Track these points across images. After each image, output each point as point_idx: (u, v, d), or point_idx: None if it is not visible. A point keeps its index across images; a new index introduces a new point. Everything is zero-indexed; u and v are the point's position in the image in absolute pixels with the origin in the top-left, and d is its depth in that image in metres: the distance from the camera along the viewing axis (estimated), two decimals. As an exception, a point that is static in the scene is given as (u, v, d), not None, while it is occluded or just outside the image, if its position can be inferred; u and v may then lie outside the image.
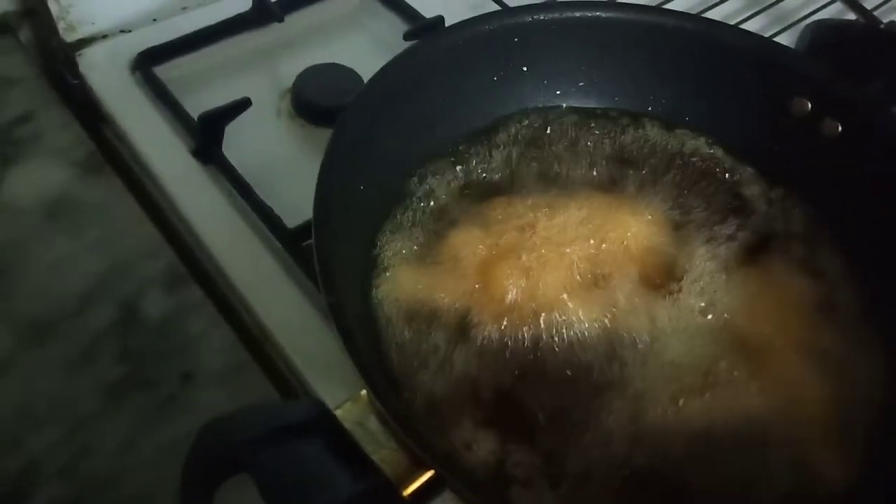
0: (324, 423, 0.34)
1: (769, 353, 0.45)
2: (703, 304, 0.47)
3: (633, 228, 0.50)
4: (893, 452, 0.42)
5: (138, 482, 0.47)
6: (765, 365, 0.44)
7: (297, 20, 0.70)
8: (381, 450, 0.34)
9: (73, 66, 0.65)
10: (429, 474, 0.33)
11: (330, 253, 0.38)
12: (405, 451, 0.33)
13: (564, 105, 0.56)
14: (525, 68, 0.54)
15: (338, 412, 0.34)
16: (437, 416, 0.40)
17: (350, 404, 0.35)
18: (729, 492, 0.40)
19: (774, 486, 0.41)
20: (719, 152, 0.56)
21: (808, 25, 0.62)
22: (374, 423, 0.34)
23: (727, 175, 0.55)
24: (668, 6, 0.71)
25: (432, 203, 0.50)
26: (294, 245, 0.53)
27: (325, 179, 0.40)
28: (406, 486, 0.33)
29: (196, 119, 0.59)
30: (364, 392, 0.35)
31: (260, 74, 0.67)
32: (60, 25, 0.66)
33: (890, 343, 0.46)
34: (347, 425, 0.34)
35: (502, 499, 0.37)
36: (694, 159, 0.55)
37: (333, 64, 0.66)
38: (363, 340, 0.39)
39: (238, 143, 0.60)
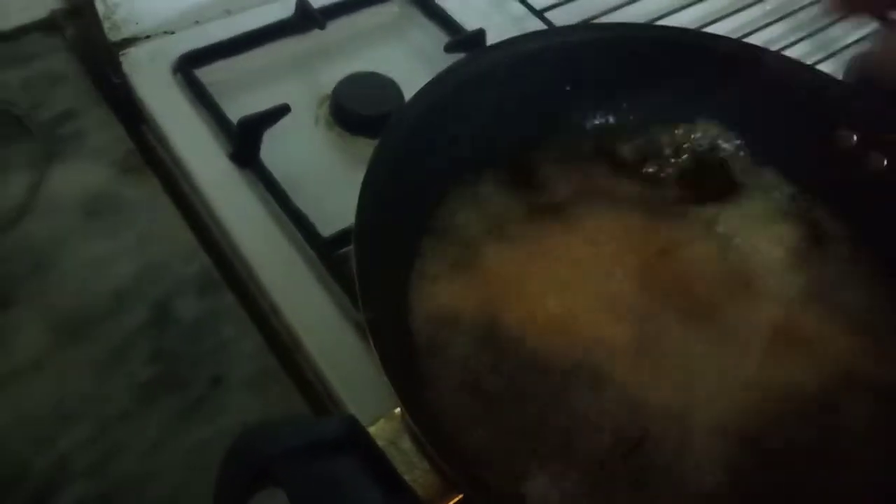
0: (357, 440, 0.34)
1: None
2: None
3: (678, 246, 0.49)
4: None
5: (166, 483, 0.47)
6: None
7: (338, 28, 0.70)
8: (414, 470, 0.33)
9: (117, 66, 0.66)
10: (459, 498, 0.33)
11: (369, 267, 0.38)
12: (437, 472, 0.33)
13: (608, 124, 0.56)
14: (569, 87, 0.54)
15: (371, 430, 0.34)
16: (472, 439, 0.40)
17: (384, 422, 0.35)
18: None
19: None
20: (767, 172, 0.55)
21: (856, 56, 0.61)
22: (406, 443, 0.34)
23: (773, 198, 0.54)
24: (709, 29, 0.71)
25: (473, 220, 0.50)
26: (328, 254, 0.53)
27: (368, 192, 0.40)
28: (437, 508, 0.33)
29: (235, 123, 0.59)
30: (398, 410, 0.35)
31: (300, 81, 0.67)
32: (106, 25, 0.67)
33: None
34: (381, 444, 0.34)
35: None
36: (739, 177, 0.54)
37: (373, 73, 0.66)
38: (399, 358, 0.38)
39: (275, 148, 0.60)
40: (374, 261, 0.40)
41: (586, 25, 0.54)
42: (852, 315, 0.49)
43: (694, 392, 0.44)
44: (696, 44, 0.55)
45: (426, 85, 0.47)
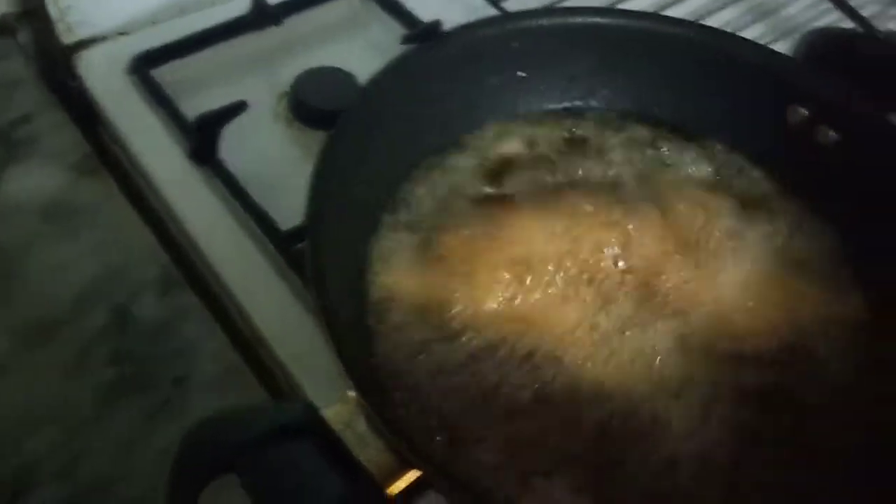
0: (313, 425, 0.34)
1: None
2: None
3: (630, 231, 0.50)
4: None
5: (134, 485, 0.47)
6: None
7: (295, 23, 0.70)
8: (369, 451, 0.34)
9: (71, 69, 0.65)
10: (414, 474, 0.33)
11: (322, 256, 0.38)
12: (392, 451, 0.33)
13: (562, 108, 0.56)
14: (523, 73, 0.54)
15: (326, 414, 0.34)
16: (427, 418, 0.40)
17: (339, 406, 0.35)
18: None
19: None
20: (719, 152, 0.56)
21: (806, 33, 0.62)
22: (362, 425, 0.34)
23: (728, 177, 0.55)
24: (666, 12, 0.72)
25: (428, 207, 0.50)
26: (288, 247, 0.53)
27: (318, 183, 0.40)
28: (392, 486, 0.33)
29: (193, 121, 0.59)
30: (352, 394, 0.35)
31: (258, 77, 0.67)
32: (59, 27, 0.66)
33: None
34: (336, 427, 0.34)
35: (485, 498, 0.37)
36: (690, 160, 0.55)
37: (331, 67, 0.66)
38: (354, 343, 0.39)
39: (235, 146, 0.60)
40: (328, 250, 0.40)
41: (539, 10, 0.54)
42: (805, 278, 0.49)
43: (653, 365, 0.45)
44: (650, 28, 0.55)
45: (377, 74, 0.47)
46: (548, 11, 0.54)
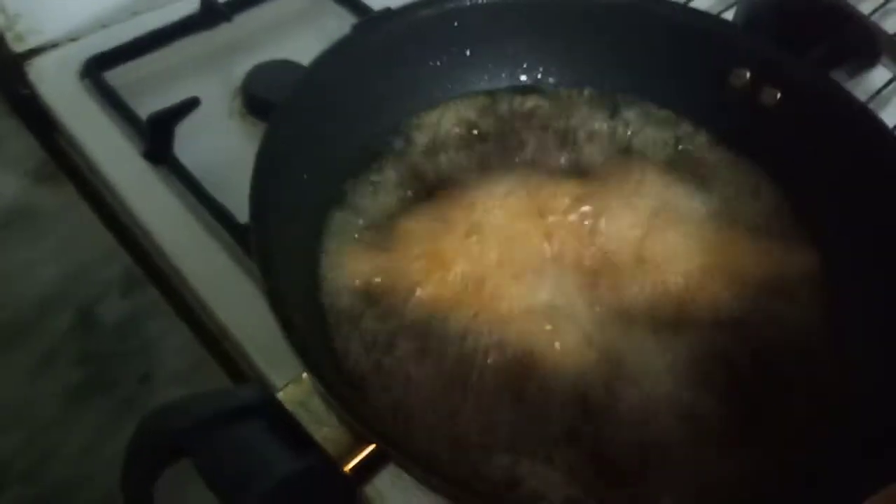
0: (266, 405, 0.35)
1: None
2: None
3: (576, 205, 0.50)
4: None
5: (101, 483, 0.47)
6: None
7: (246, 19, 0.70)
8: (323, 428, 0.34)
9: (23, 77, 0.65)
10: (370, 448, 0.33)
11: (268, 240, 0.39)
12: (346, 427, 0.34)
13: (509, 86, 0.57)
14: (468, 52, 0.55)
15: (280, 395, 0.35)
16: (382, 397, 0.40)
17: (293, 386, 0.35)
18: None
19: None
20: (664, 119, 0.56)
21: (745, -1, 0.63)
22: (316, 404, 0.35)
23: (673, 142, 0.56)
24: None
25: (379, 189, 0.50)
26: (246, 239, 0.53)
27: (261, 168, 0.41)
28: (347, 462, 0.33)
29: (145, 120, 0.59)
30: (306, 374, 0.35)
31: (211, 75, 0.67)
32: (8, 36, 0.66)
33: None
34: (289, 407, 0.34)
35: (442, 468, 0.37)
36: (635, 129, 0.55)
37: (283, 60, 0.66)
38: (307, 324, 0.39)
39: (192, 144, 0.60)
40: (276, 234, 0.40)
41: (480, -10, 0.54)
42: (757, 229, 0.50)
43: (617, 340, 0.45)
44: (591, 1, 0.56)
45: (317, 58, 0.47)
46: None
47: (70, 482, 0.47)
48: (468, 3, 0.53)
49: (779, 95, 0.53)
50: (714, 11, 0.72)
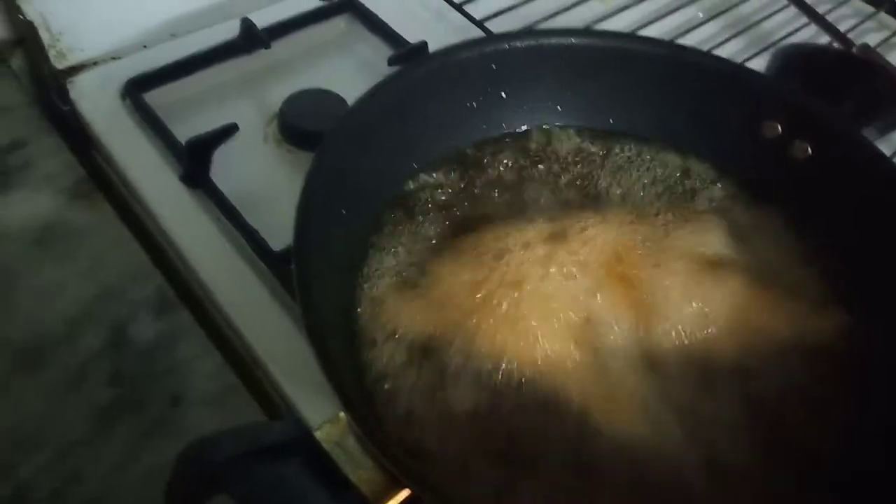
0: (304, 443, 0.35)
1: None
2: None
3: (613, 248, 0.51)
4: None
5: (128, 504, 0.47)
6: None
7: (284, 46, 0.72)
8: (359, 469, 0.35)
9: (64, 93, 0.66)
10: (405, 493, 0.34)
11: (310, 276, 0.40)
12: (382, 470, 0.34)
13: (543, 127, 0.58)
14: (504, 94, 0.56)
15: (317, 433, 0.35)
16: (415, 438, 0.41)
17: (329, 426, 0.36)
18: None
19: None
20: (696, 168, 0.57)
21: (779, 49, 0.64)
22: (352, 444, 0.35)
23: (704, 191, 0.56)
24: (644, 31, 0.73)
25: (414, 226, 0.51)
26: (280, 268, 0.54)
27: (307, 202, 0.42)
28: (383, 505, 0.34)
29: (184, 144, 0.60)
30: (343, 413, 0.36)
31: (247, 100, 0.68)
32: (51, 53, 0.67)
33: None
34: (326, 446, 0.35)
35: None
36: (669, 175, 0.56)
37: (319, 89, 0.67)
38: (343, 362, 0.40)
39: (226, 168, 0.61)
40: (316, 269, 0.41)
41: (517, 33, 0.56)
42: (787, 288, 0.50)
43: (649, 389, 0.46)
44: (624, 47, 0.57)
45: (362, 96, 0.48)
46: (525, 34, 0.55)
47: (97, 502, 0.47)
48: (507, 47, 0.54)
49: (809, 150, 0.53)
50: (739, 58, 0.73)
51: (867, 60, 0.65)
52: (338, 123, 0.47)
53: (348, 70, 0.72)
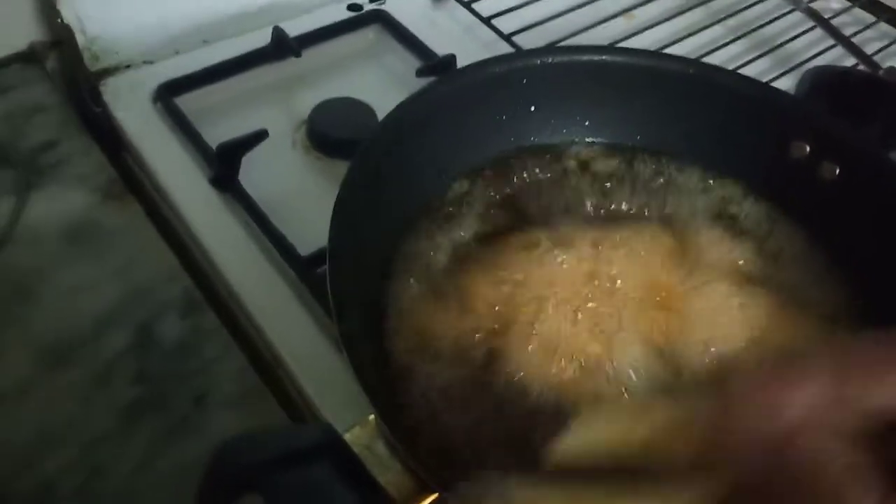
0: (333, 446, 0.36)
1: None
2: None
3: (642, 264, 0.51)
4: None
5: (151, 503, 0.48)
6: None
7: (314, 55, 0.73)
8: (388, 473, 0.35)
9: (97, 95, 0.67)
10: (433, 497, 0.34)
11: (343, 283, 0.40)
12: (411, 474, 0.34)
13: (572, 142, 0.58)
14: (533, 108, 0.56)
15: (346, 436, 0.36)
16: (444, 444, 0.41)
17: (359, 429, 0.36)
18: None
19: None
20: (724, 186, 0.57)
21: (807, 71, 0.64)
22: (381, 448, 0.36)
23: (732, 209, 0.57)
24: (671, 49, 0.74)
25: (442, 237, 0.51)
26: (307, 272, 0.55)
27: (340, 212, 0.42)
28: (412, 509, 0.34)
29: (214, 149, 0.61)
30: (372, 417, 0.36)
31: (277, 107, 0.69)
32: (86, 55, 0.68)
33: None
34: (356, 449, 0.35)
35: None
36: (696, 192, 0.56)
37: (348, 98, 0.68)
38: (372, 368, 0.40)
39: (255, 172, 0.62)
40: (347, 276, 0.41)
41: (550, 48, 0.56)
42: (814, 312, 0.50)
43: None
44: (653, 65, 0.57)
45: (396, 107, 0.49)
46: (557, 50, 0.56)
47: (120, 500, 0.48)
48: (538, 62, 0.54)
49: (837, 171, 0.53)
50: (764, 79, 0.74)
51: (894, 83, 0.65)
52: (373, 132, 0.48)
53: (377, 80, 0.73)
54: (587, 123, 0.58)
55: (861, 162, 0.53)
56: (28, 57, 0.71)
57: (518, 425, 0.42)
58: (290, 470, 0.34)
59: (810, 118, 0.54)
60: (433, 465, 0.35)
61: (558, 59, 0.55)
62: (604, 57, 0.56)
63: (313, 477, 0.34)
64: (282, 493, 0.34)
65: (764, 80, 0.68)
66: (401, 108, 0.49)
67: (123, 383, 0.52)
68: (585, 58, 0.55)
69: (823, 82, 0.61)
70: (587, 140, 0.58)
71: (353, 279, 0.43)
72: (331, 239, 0.41)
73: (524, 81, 0.55)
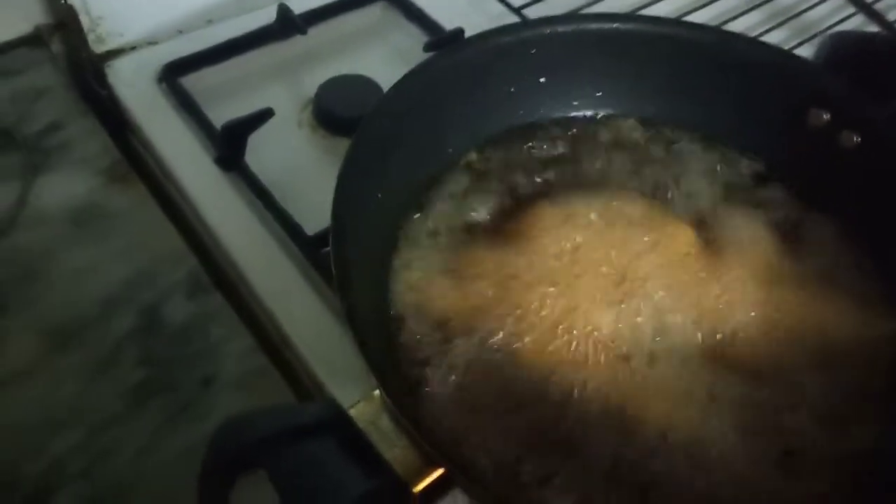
0: (338, 422, 0.35)
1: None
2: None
3: (659, 236, 0.50)
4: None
5: (158, 484, 0.47)
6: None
7: (320, 32, 0.71)
8: (393, 448, 0.34)
9: (102, 77, 0.67)
10: (438, 472, 0.33)
11: (347, 258, 0.39)
12: (416, 449, 0.34)
13: (582, 114, 0.57)
14: (542, 79, 0.55)
15: (352, 412, 0.35)
16: (449, 418, 0.40)
17: (363, 404, 0.36)
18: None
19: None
20: (742, 159, 0.56)
21: (828, 37, 0.62)
22: (386, 423, 0.35)
23: (750, 183, 0.55)
24: (688, 18, 0.72)
25: (451, 211, 0.50)
26: (313, 251, 0.54)
27: (344, 186, 0.41)
28: (417, 484, 0.33)
29: (220, 128, 0.60)
30: (377, 392, 0.35)
31: (283, 85, 0.68)
32: (90, 37, 0.68)
33: None
34: (361, 425, 0.35)
35: (508, 496, 0.37)
36: (714, 167, 0.55)
37: (354, 75, 0.67)
38: (378, 343, 0.39)
39: (261, 152, 0.61)
40: (352, 251, 0.41)
41: (557, 17, 0.54)
42: (832, 280, 0.49)
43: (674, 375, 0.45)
44: (669, 33, 0.56)
45: (398, 81, 0.48)
46: (565, 18, 0.54)
47: (127, 482, 0.47)
48: (547, 31, 0.53)
49: (857, 139, 0.52)
50: (787, 45, 0.72)
51: (918, 50, 0.63)
52: (374, 107, 0.46)
53: (384, 57, 0.72)
54: (599, 94, 0.57)
55: (882, 130, 0.51)
56: (33, 40, 0.71)
57: (529, 402, 0.41)
58: (294, 446, 0.33)
59: (829, 84, 0.53)
60: (438, 442, 0.34)
61: (567, 28, 0.53)
62: (615, 25, 0.54)
63: (317, 452, 0.34)
64: (284, 467, 0.33)
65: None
66: (403, 81, 0.47)
67: (129, 365, 0.52)
68: (595, 26, 0.54)
69: (844, 48, 0.59)
70: (599, 112, 0.57)
71: (359, 254, 0.42)
72: (334, 213, 0.40)
73: (533, 52, 0.53)
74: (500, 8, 0.75)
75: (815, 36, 0.73)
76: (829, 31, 0.71)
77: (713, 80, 0.56)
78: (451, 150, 0.52)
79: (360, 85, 0.66)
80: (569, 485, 0.39)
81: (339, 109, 0.64)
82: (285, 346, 0.53)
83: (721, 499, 0.40)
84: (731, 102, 0.56)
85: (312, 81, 0.67)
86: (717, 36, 0.57)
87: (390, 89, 0.48)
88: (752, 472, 0.40)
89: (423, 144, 0.50)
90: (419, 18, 0.73)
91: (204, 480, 0.33)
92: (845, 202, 0.52)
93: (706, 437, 0.41)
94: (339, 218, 0.40)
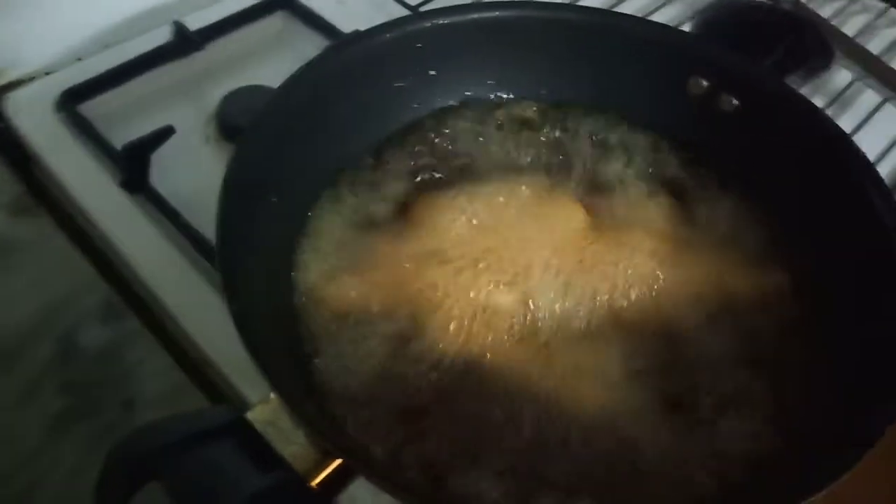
0: (236, 426, 0.35)
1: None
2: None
3: (555, 214, 0.51)
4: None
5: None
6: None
7: (219, 47, 0.71)
8: (292, 446, 0.35)
9: (-1, 111, 0.66)
10: (336, 463, 0.34)
11: (233, 265, 0.40)
12: (313, 442, 0.34)
13: (477, 101, 0.58)
14: (433, 72, 0.56)
15: (248, 415, 0.36)
16: (346, 408, 0.41)
17: (261, 406, 0.36)
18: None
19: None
20: (634, 133, 0.57)
21: (706, 6, 0.64)
22: (286, 422, 0.36)
23: (644, 156, 0.57)
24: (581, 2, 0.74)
25: (350, 207, 0.51)
26: (223, 264, 0.54)
27: (228, 192, 0.42)
28: (314, 477, 0.34)
29: (120, 150, 0.60)
30: (273, 394, 0.36)
31: (185, 103, 0.68)
32: (-15, 72, 0.67)
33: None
34: (258, 426, 0.35)
35: (406, 483, 0.38)
36: (602, 140, 0.57)
37: (256, 86, 0.67)
38: (277, 342, 0.40)
39: (168, 172, 0.61)
40: (244, 258, 0.41)
41: (442, 9, 0.55)
42: (724, 241, 0.51)
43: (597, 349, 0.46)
44: (552, 17, 0.57)
45: (282, 84, 0.48)
46: (447, 10, 0.55)
47: (59, 508, 0.47)
48: (428, 24, 0.54)
49: (735, 102, 0.54)
50: (674, 24, 0.74)
51: (792, 13, 0.65)
52: (257, 115, 0.47)
53: (287, 66, 0.69)
54: (491, 82, 0.58)
55: (757, 90, 0.53)
56: (-75, 79, 0.70)
57: (430, 390, 0.42)
58: (190, 452, 0.34)
59: (705, 53, 0.55)
60: (334, 432, 0.35)
61: (448, 19, 0.54)
62: (495, 13, 0.55)
63: (215, 457, 0.34)
64: (183, 475, 0.33)
65: (675, 24, 0.68)
66: (288, 82, 0.48)
67: (50, 394, 0.52)
68: (475, 15, 0.55)
69: (723, 17, 0.61)
70: (493, 97, 0.58)
71: (253, 258, 0.42)
72: (219, 220, 0.41)
73: (419, 46, 0.54)
74: (400, 9, 0.76)
75: (704, 10, 0.75)
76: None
77: (602, 60, 0.57)
78: (346, 147, 0.53)
79: (262, 95, 0.66)
80: (469, 468, 0.40)
81: (243, 121, 0.64)
82: (203, 361, 0.53)
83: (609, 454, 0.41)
84: (621, 79, 0.57)
85: (215, 96, 0.67)
86: (601, 17, 0.59)
87: (272, 94, 0.49)
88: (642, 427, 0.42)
89: (316, 145, 0.51)
90: (319, 25, 0.74)
91: (100, 495, 0.33)
92: (734, 165, 0.54)
93: (605, 402, 0.43)
94: (224, 225, 0.41)
